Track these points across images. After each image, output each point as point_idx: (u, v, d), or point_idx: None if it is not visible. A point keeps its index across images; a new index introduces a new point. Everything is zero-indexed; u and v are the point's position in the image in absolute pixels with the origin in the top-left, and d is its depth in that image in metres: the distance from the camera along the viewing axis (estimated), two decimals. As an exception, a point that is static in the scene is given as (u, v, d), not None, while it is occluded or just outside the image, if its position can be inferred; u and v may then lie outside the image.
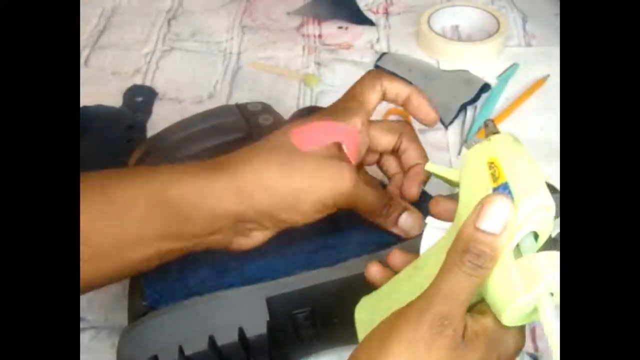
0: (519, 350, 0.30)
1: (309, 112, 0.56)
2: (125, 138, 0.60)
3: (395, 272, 0.33)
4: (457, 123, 0.61)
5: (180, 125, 0.49)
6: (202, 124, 0.49)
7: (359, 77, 0.66)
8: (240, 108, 0.50)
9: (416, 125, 0.61)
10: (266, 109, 0.51)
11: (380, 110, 0.62)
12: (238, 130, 0.47)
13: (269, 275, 0.34)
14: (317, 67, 0.69)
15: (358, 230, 0.38)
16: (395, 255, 0.33)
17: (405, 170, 0.41)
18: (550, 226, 0.31)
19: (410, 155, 0.41)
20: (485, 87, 0.63)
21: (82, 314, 0.45)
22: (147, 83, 0.67)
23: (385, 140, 0.40)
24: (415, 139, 0.41)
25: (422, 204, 0.38)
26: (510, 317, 0.28)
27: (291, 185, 0.35)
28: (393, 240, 0.37)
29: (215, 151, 0.46)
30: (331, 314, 0.37)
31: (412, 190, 0.40)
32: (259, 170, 0.35)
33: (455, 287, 0.28)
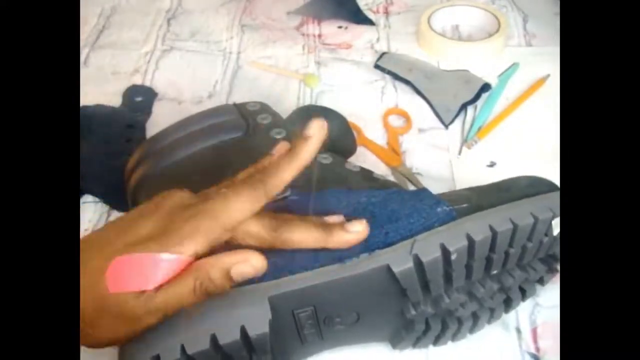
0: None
1: (307, 111, 0.56)
2: (125, 138, 0.60)
3: None
4: (457, 123, 0.61)
5: (178, 125, 0.49)
6: (201, 123, 0.48)
7: (359, 76, 0.67)
8: (239, 107, 0.50)
9: (416, 125, 0.61)
10: (265, 108, 0.50)
11: (380, 111, 0.62)
12: (237, 130, 0.47)
13: (271, 274, 0.34)
14: (317, 66, 0.69)
15: None
16: None
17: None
18: None
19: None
20: (485, 87, 0.63)
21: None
22: (147, 83, 0.67)
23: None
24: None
25: (422, 202, 0.38)
26: None
27: (105, 331, 0.33)
28: (396, 239, 0.37)
29: (214, 150, 0.46)
30: (333, 313, 0.37)
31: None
32: (82, 302, 0.32)
33: None
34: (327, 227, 0.36)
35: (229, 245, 0.34)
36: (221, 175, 0.39)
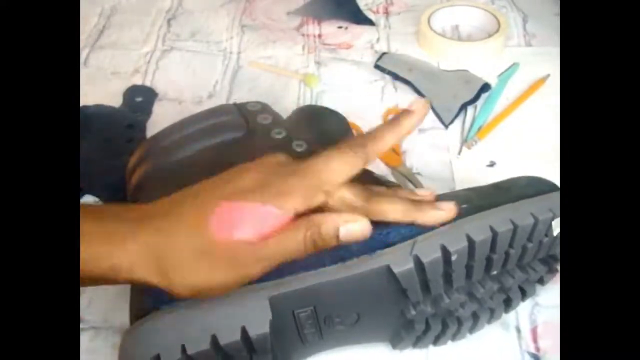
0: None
1: (308, 111, 0.56)
2: (125, 138, 0.60)
3: None
4: (457, 123, 0.61)
5: (179, 125, 0.49)
6: (201, 123, 0.48)
7: (359, 76, 0.67)
8: (239, 107, 0.50)
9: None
10: (265, 108, 0.50)
11: (380, 111, 0.62)
12: (237, 130, 0.47)
13: (271, 274, 0.35)
14: (317, 66, 0.69)
15: None
16: None
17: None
18: None
19: None
20: (485, 87, 0.63)
21: (81, 315, 0.45)
22: (147, 83, 0.67)
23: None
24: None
25: None
26: None
27: (203, 277, 0.32)
28: (397, 239, 0.37)
29: (214, 150, 0.46)
30: (333, 313, 0.37)
31: None
32: (175, 249, 0.32)
33: None
34: (418, 203, 0.37)
35: (322, 211, 0.33)
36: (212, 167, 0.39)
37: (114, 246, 0.31)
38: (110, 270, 0.31)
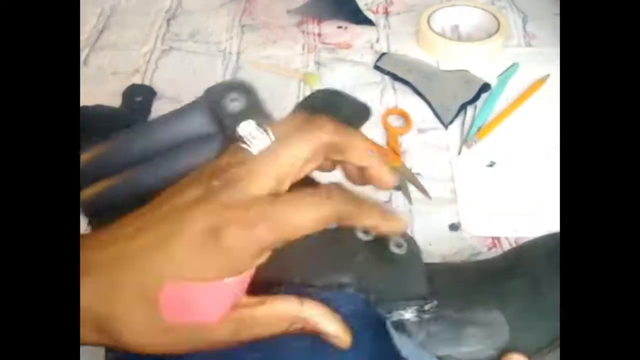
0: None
1: (311, 106, 0.50)
2: (125, 138, 0.60)
3: None
4: (457, 123, 0.61)
5: (133, 136, 0.38)
6: (162, 132, 0.38)
7: (358, 76, 0.66)
8: (211, 106, 0.36)
9: (416, 125, 0.61)
10: (250, 109, 0.36)
11: (379, 111, 0.62)
12: (208, 143, 0.36)
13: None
14: (316, 66, 0.69)
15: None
16: None
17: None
18: None
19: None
20: (485, 87, 0.63)
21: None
22: (147, 83, 0.67)
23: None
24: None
25: None
26: None
27: (159, 341, 0.29)
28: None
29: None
30: None
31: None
32: (121, 318, 0.28)
33: None
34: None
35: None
36: None
37: None
38: None
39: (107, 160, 0.37)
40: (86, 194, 0.37)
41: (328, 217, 0.29)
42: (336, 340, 0.32)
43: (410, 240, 0.37)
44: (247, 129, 0.32)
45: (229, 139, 0.33)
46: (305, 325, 0.31)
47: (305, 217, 0.29)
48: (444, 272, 0.38)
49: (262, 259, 0.30)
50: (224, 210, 0.28)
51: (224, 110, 0.35)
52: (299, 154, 0.31)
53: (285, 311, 0.31)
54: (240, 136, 0.31)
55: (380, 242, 0.36)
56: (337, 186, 0.31)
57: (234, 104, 0.35)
